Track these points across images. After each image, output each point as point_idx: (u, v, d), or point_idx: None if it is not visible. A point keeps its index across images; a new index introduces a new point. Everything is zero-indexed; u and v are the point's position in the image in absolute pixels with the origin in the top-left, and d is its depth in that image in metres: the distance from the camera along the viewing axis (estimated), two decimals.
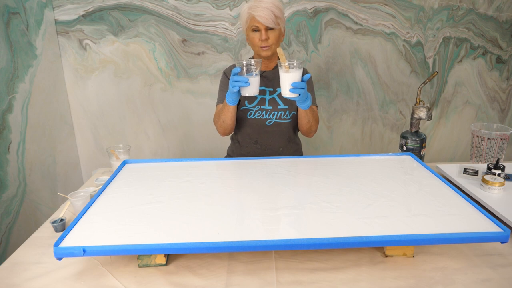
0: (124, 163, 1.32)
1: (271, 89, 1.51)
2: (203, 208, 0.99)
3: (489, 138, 1.44)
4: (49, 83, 1.95)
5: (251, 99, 1.50)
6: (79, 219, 0.94)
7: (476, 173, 1.29)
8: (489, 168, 1.24)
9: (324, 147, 2.32)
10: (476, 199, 1.15)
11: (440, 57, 2.17)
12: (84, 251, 0.80)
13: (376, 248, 0.96)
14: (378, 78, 2.19)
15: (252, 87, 1.23)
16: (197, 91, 2.15)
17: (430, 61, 2.18)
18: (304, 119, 1.45)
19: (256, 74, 1.22)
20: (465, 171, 1.31)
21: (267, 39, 1.38)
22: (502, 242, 0.84)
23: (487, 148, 1.45)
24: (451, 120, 2.32)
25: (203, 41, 2.05)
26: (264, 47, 1.40)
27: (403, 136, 1.47)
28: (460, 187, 1.23)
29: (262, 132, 1.52)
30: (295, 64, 1.16)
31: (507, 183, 1.22)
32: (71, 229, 0.89)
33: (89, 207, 1.00)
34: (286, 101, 1.49)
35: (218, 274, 0.88)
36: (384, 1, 2.03)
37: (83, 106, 2.15)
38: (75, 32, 2.01)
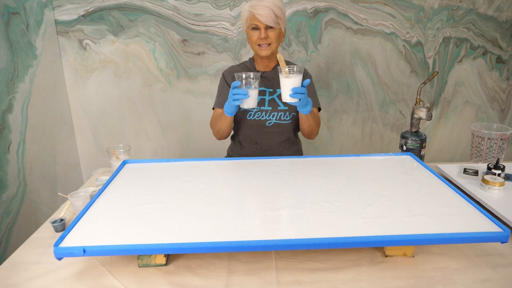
0: (124, 163, 1.32)
1: (271, 90, 1.51)
2: (203, 208, 0.99)
3: (489, 138, 1.44)
4: (49, 83, 1.95)
5: None
6: (79, 219, 0.94)
7: (476, 173, 1.29)
8: (489, 168, 1.24)
9: (324, 147, 2.32)
10: (476, 199, 1.15)
11: (440, 57, 2.17)
12: (84, 251, 0.80)
13: (376, 248, 0.96)
14: (378, 78, 2.19)
15: (250, 100, 1.25)
16: (197, 91, 2.15)
17: (430, 61, 2.18)
18: (305, 123, 1.46)
19: (255, 87, 1.24)
20: (465, 171, 1.31)
21: (266, 38, 1.38)
22: (502, 242, 0.84)
23: (487, 148, 1.45)
24: (451, 120, 2.32)
25: (203, 41, 2.05)
26: (263, 45, 1.40)
27: (403, 136, 1.47)
28: (460, 187, 1.23)
29: (262, 133, 1.52)
30: (295, 69, 1.17)
31: (507, 183, 1.22)
32: (71, 229, 0.89)
33: (89, 207, 1.00)
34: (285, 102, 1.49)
35: (218, 274, 0.88)
36: (384, 1, 2.03)
37: (83, 106, 2.15)
38: (75, 32, 2.01)
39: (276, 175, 1.20)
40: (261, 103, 1.50)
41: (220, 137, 1.51)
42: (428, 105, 2.18)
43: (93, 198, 1.04)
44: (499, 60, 2.21)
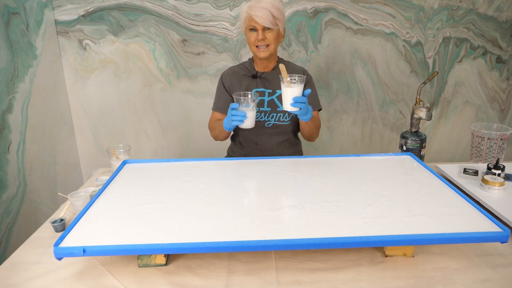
0: (124, 163, 1.32)
1: (270, 91, 1.51)
2: (203, 208, 0.99)
3: (489, 138, 1.44)
4: (49, 83, 1.95)
5: None
6: (79, 219, 0.94)
7: (476, 173, 1.29)
8: (489, 168, 1.24)
9: (324, 147, 2.32)
10: (476, 199, 1.15)
11: (440, 57, 2.17)
12: (84, 251, 0.80)
13: (376, 248, 0.96)
14: (378, 78, 2.19)
15: (248, 121, 1.28)
16: (197, 91, 2.15)
17: (430, 61, 2.18)
18: (305, 128, 1.48)
19: (253, 108, 1.28)
20: (465, 171, 1.31)
21: (264, 39, 1.38)
22: (502, 242, 0.84)
23: (487, 148, 1.45)
24: (451, 120, 2.32)
25: (203, 41, 2.05)
26: (261, 47, 1.40)
27: (403, 136, 1.47)
28: (460, 187, 1.23)
29: (261, 133, 1.52)
30: (296, 79, 1.19)
31: (507, 183, 1.22)
32: (71, 229, 0.89)
33: (89, 207, 1.00)
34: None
35: (218, 274, 0.88)
36: (384, 1, 2.03)
37: (83, 106, 2.15)
38: (75, 32, 2.01)
39: (276, 175, 1.20)
40: (260, 104, 1.50)
41: (218, 140, 1.55)
42: (428, 105, 2.18)
43: (93, 198, 1.04)
44: (499, 60, 2.21)
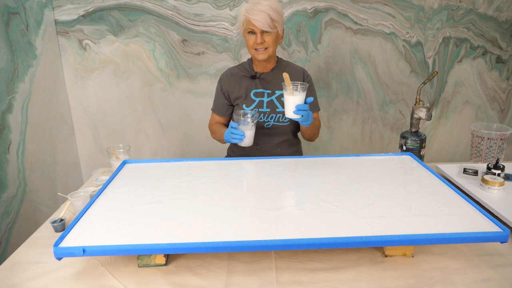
0: (124, 163, 1.32)
1: (269, 91, 1.51)
2: (203, 208, 0.99)
3: (489, 138, 1.44)
4: (49, 83, 1.95)
5: (248, 101, 1.51)
6: (79, 219, 0.94)
7: (476, 173, 1.29)
8: (488, 168, 1.24)
9: (324, 147, 2.32)
10: (476, 199, 1.15)
11: (440, 57, 2.17)
12: (84, 251, 0.80)
13: (376, 248, 0.96)
14: (378, 78, 2.19)
15: (247, 139, 1.36)
16: (197, 91, 2.15)
17: (430, 61, 2.18)
18: (306, 132, 1.52)
19: (253, 127, 1.35)
20: (465, 171, 1.31)
21: (262, 43, 1.38)
22: (501, 242, 0.84)
23: (487, 148, 1.45)
24: (451, 120, 2.32)
25: (203, 41, 2.05)
26: (259, 50, 1.40)
27: (403, 136, 1.47)
28: (460, 187, 1.23)
29: (261, 134, 1.52)
30: (299, 87, 1.22)
31: (507, 183, 1.22)
32: (71, 229, 0.89)
33: (89, 207, 1.00)
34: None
35: (218, 274, 0.88)
36: (384, 1, 2.03)
37: (83, 106, 2.15)
38: (75, 32, 2.01)
39: (276, 175, 1.20)
40: (259, 104, 1.50)
41: (218, 141, 1.60)
42: (428, 105, 2.18)
43: (93, 198, 1.04)
44: (499, 60, 2.21)
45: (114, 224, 0.92)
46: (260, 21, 1.33)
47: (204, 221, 0.93)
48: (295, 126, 1.57)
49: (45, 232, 1.07)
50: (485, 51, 2.18)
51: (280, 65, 1.54)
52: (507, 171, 1.30)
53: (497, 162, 1.24)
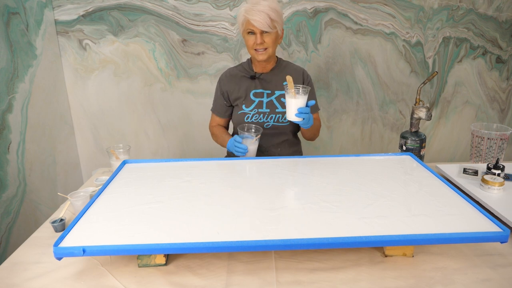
0: (124, 163, 1.32)
1: (269, 91, 1.51)
2: (203, 208, 0.99)
3: (488, 138, 1.44)
4: (49, 83, 1.95)
5: (248, 102, 1.51)
6: (79, 219, 0.94)
7: (475, 173, 1.29)
8: (488, 168, 1.24)
9: (324, 147, 2.32)
10: (476, 199, 1.15)
11: (440, 57, 2.17)
12: (84, 251, 0.80)
13: (376, 248, 0.96)
14: (378, 78, 2.19)
15: (250, 153, 1.41)
16: (197, 91, 2.15)
17: (430, 61, 2.18)
18: (306, 133, 1.54)
19: (256, 141, 1.39)
20: (465, 171, 1.31)
21: (262, 43, 1.38)
22: (501, 242, 0.84)
23: (487, 148, 1.45)
24: (451, 120, 2.32)
25: (203, 41, 2.05)
26: (259, 50, 1.40)
27: (403, 136, 1.47)
28: (460, 187, 1.23)
29: (261, 134, 1.52)
30: (300, 91, 1.23)
31: (507, 183, 1.22)
32: (71, 229, 0.89)
33: (89, 207, 1.00)
34: (284, 104, 1.49)
35: (218, 274, 0.88)
36: (384, 1, 2.03)
37: (83, 106, 2.15)
38: (75, 32, 2.01)
39: (276, 175, 1.20)
40: (259, 105, 1.50)
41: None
42: (428, 105, 2.18)
43: (93, 198, 1.04)
44: (499, 60, 2.21)
45: (114, 224, 0.92)
46: (260, 21, 1.33)
47: (204, 221, 0.93)
48: (295, 126, 1.57)
49: (45, 232, 1.07)
50: (485, 51, 2.18)
51: (280, 65, 1.54)
52: (507, 171, 1.30)
53: (497, 162, 1.24)
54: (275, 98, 1.51)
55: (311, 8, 2.02)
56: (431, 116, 1.44)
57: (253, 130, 1.39)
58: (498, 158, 1.29)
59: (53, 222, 1.07)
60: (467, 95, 2.27)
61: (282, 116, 1.50)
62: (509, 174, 1.28)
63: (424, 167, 1.25)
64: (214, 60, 2.09)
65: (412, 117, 1.47)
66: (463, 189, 1.21)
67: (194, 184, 1.14)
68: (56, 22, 1.98)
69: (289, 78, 1.22)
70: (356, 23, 2.06)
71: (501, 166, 1.23)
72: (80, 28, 2.00)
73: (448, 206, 0.98)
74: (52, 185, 1.97)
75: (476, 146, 1.49)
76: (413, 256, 0.92)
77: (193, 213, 0.97)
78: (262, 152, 1.55)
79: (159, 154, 2.28)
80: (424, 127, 2.31)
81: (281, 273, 0.87)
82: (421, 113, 1.44)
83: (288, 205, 1.00)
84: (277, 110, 1.50)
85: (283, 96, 1.47)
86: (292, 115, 1.26)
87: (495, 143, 1.43)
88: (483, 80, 2.24)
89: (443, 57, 2.17)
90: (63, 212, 1.12)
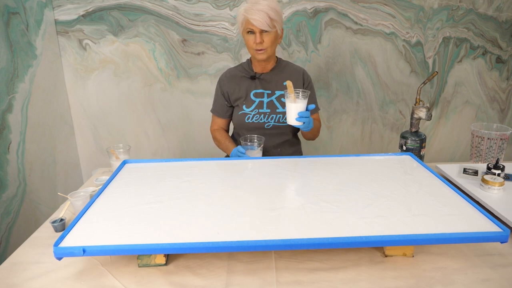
0: (124, 163, 1.32)
1: (269, 92, 1.51)
2: (203, 208, 0.99)
3: (489, 138, 1.44)
4: (49, 83, 1.95)
5: (248, 102, 1.51)
6: (79, 219, 0.94)
7: (476, 173, 1.29)
8: (488, 168, 1.24)
9: (324, 147, 2.32)
10: (476, 199, 1.15)
11: (440, 57, 2.17)
12: (84, 251, 0.80)
13: (376, 248, 0.96)
14: (378, 78, 2.19)
15: None
16: (197, 91, 2.15)
17: (430, 61, 2.18)
18: (306, 134, 1.55)
19: (260, 151, 1.40)
20: (465, 171, 1.31)
21: (261, 43, 1.38)
22: (501, 242, 0.84)
23: (487, 148, 1.45)
24: (451, 120, 2.32)
25: (203, 41, 2.05)
26: (259, 50, 1.40)
27: (403, 136, 1.47)
28: (460, 187, 1.23)
29: (261, 135, 1.52)
30: (300, 95, 1.24)
31: (507, 183, 1.22)
32: (71, 229, 0.89)
33: (89, 207, 1.00)
34: (284, 104, 1.49)
35: (218, 274, 0.88)
36: (384, 1, 2.03)
37: (83, 106, 2.15)
38: (75, 32, 2.01)
39: (276, 175, 1.20)
40: (259, 105, 1.51)
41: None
42: (428, 105, 2.18)
43: (93, 198, 1.04)
44: (499, 60, 2.21)
45: (114, 224, 0.92)
46: (259, 21, 1.33)
47: (204, 221, 0.93)
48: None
49: (45, 232, 1.07)
50: (485, 51, 2.18)
51: (280, 65, 1.54)
52: (507, 171, 1.30)
53: (497, 162, 1.24)
54: (275, 98, 1.51)
55: (311, 8, 2.02)
56: (431, 116, 1.44)
57: (255, 141, 1.40)
58: (498, 158, 1.29)
59: (53, 222, 1.07)
60: (467, 95, 2.27)
61: (283, 116, 1.50)
62: (509, 174, 1.28)
63: (424, 167, 1.25)
64: (214, 60, 2.10)
65: (412, 117, 1.47)
66: (463, 189, 1.21)
67: (194, 184, 1.14)
68: (56, 22, 1.98)
69: (289, 83, 1.23)
70: (356, 23, 2.06)
71: (501, 166, 1.23)
72: (80, 28, 2.00)
73: (448, 206, 0.98)
74: (52, 185, 1.97)
75: (476, 146, 1.49)
76: (413, 256, 0.92)
77: (193, 213, 0.97)
78: (263, 152, 1.55)
79: (159, 154, 2.28)
80: (424, 127, 2.31)
81: (281, 273, 0.87)
82: (421, 113, 1.44)
83: (288, 205, 1.00)
84: (277, 110, 1.50)
85: (284, 96, 1.47)
86: (292, 119, 1.28)
87: (495, 143, 1.43)
88: (483, 80, 2.24)
89: (443, 57, 2.17)
90: (63, 212, 1.12)
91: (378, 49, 2.13)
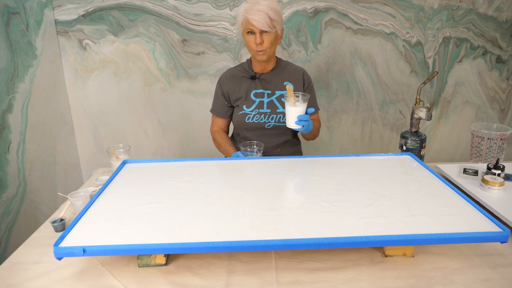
0: (124, 163, 1.32)
1: (269, 92, 1.51)
2: (203, 208, 0.99)
3: (489, 138, 1.44)
4: (49, 83, 1.95)
5: (249, 102, 1.51)
6: (79, 219, 0.94)
7: (476, 173, 1.29)
8: (489, 168, 1.24)
9: (324, 147, 2.32)
10: (476, 199, 1.15)
11: (440, 57, 2.17)
12: (84, 251, 0.80)
13: (376, 248, 0.96)
14: (378, 78, 2.19)
15: None
16: (197, 91, 2.15)
17: (430, 61, 2.18)
18: (306, 135, 1.57)
19: (260, 156, 1.39)
20: (465, 171, 1.31)
21: (261, 43, 1.38)
22: (501, 242, 0.84)
23: (487, 148, 1.45)
24: (451, 120, 2.32)
25: (203, 41, 2.05)
26: (259, 51, 1.40)
27: (403, 136, 1.47)
28: (460, 187, 1.23)
29: (261, 135, 1.52)
30: (300, 99, 1.25)
31: (507, 183, 1.22)
32: (71, 229, 0.89)
33: (89, 207, 1.00)
34: (284, 104, 1.50)
35: (218, 274, 0.88)
36: (384, 1, 2.03)
37: (83, 106, 2.15)
38: (75, 32, 2.01)
39: (276, 175, 1.20)
40: (259, 105, 1.50)
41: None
42: (428, 105, 2.18)
43: (93, 198, 1.04)
44: (499, 60, 2.21)
45: (114, 224, 0.92)
46: (259, 21, 1.33)
47: (204, 221, 0.93)
48: None
49: (45, 232, 1.07)
50: (485, 51, 2.18)
51: (280, 65, 1.54)
52: (507, 171, 1.30)
53: (497, 162, 1.24)
54: (275, 98, 1.51)
55: (311, 8, 2.02)
56: (431, 116, 1.44)
57: (255, 147, 1.41)
58: (498, 158, 1.29)
59: (53, 222, 1.07)
60: (467, 95, 2.27)
61: (283, 116, 1.50)
62: (509, 174, 1.28)
63: (424, 167, 1.25)
64: (214, 60, 2.10)
65: (412, 117, 1.47)
66: (463, 189, 1.21)
67: (194, 184, 1.14)
68: (56, 22, 1.98)
69: (289, 87, 1.23)
70: (356, 23, 2.06)
71: (501, 166, 1.23)
72: (80, 28, 2.00)
73: (448, 206, 0.98)
74: (52, 185, 1.97)
75: (476, 146, 1.49)
76: (413, 256, 0.92)
77: (193, 213, 0.97)
78: (263, 152, 1.55)
79: (159, 154, 2.28)
80: (424, 127, 2.31)
81: (281, 273, 0.87)
82: (421, 113, 1.44)
83: (288, 205, 1.00)
84: (278, 110, 1.50)
85: (284, 96, 1.47)
86: (292, 122, 1.28)
87: (495, 143, 1.43)
88: (483, 80, 2.24)
89: (443, 57, 2.17)
90: (63, 212, 1.12)
91: (378, 49, 2.13)
